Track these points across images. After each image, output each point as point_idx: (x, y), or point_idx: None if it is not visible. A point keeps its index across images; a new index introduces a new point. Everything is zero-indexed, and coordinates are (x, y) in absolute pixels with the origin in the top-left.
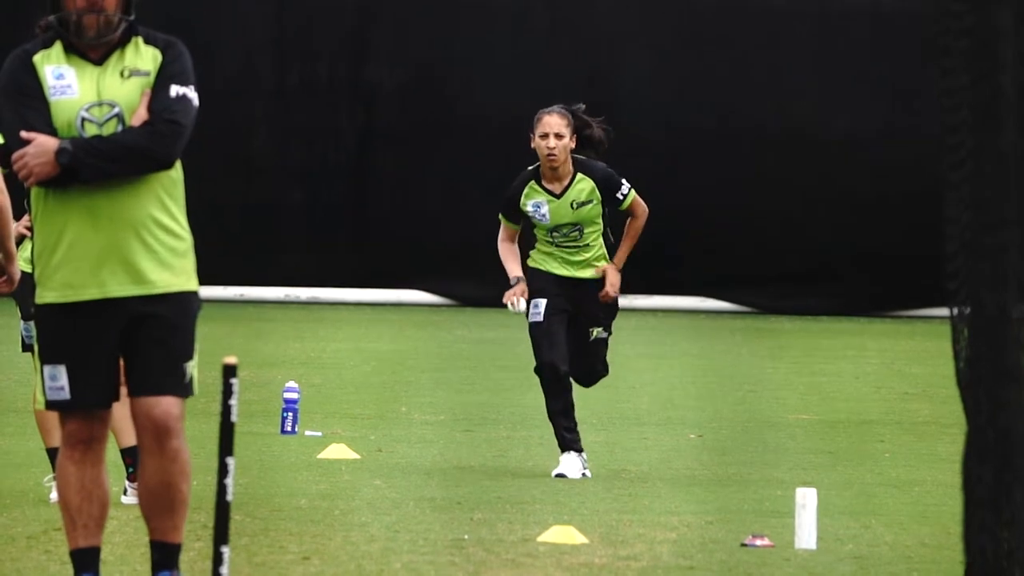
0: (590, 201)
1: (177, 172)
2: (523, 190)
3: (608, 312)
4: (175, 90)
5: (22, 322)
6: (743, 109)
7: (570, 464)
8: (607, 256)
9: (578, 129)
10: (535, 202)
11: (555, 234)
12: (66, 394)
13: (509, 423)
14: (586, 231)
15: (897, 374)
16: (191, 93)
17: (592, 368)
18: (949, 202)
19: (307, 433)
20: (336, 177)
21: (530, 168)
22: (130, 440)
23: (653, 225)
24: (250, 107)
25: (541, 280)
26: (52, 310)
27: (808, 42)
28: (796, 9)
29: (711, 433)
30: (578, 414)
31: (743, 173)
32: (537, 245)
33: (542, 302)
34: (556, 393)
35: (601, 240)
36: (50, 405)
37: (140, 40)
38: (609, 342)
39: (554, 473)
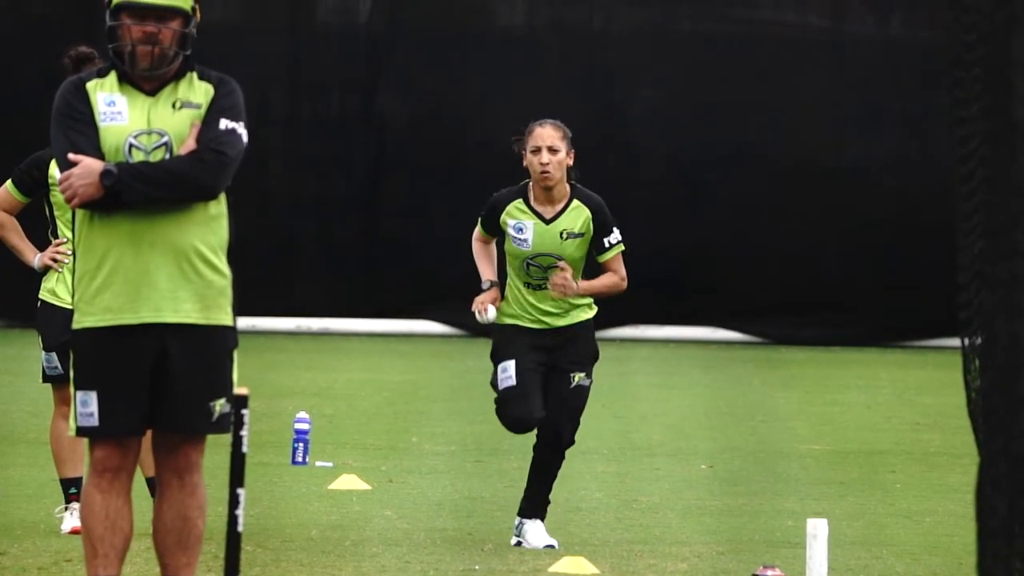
0: (582, 234)
1: (220, 207)
2: (507, 205)
3: (587, 354)
4: (224, 123)
5: (43, 352)
6: (754, 139)
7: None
8: (590, 305)
9: None
10: (518, 223)
11: (531, 266)
12: (95, 420)
13: (520, 453)
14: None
15: (908, 404)
16: (240, 129)
17: (562, 424)
18: (961, 232)
19: (318, 464)
20: (348, 208)
21: (520, 183)
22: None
23: (665, 255)
24: (263, 138)
25: (510, 341)
26: (89, 335)
27: (820, 72)
28: (806, 39)
29: (722, 463)
30: (589, 444)
31: (754, 203)
32: (507, 292)
33: (511, 364)
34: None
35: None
36: (80, 431)
37: (194, 75)
38: (588, 395)
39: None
